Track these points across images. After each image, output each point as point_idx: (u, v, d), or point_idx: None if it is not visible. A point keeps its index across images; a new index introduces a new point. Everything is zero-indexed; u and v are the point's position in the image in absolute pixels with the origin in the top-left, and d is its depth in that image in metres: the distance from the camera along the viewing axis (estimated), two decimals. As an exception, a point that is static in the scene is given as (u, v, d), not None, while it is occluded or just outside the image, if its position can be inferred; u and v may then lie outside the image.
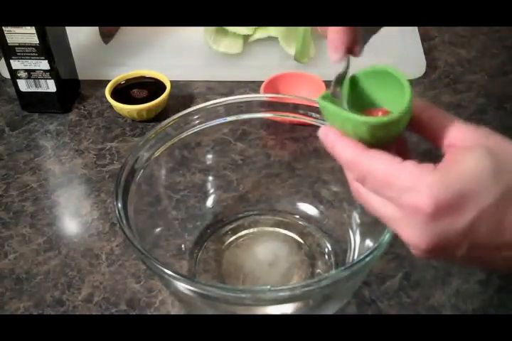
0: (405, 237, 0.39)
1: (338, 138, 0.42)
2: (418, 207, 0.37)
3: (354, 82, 0.45)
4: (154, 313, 0.59)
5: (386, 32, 0.52)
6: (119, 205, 0.51)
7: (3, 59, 0.78)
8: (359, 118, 0.40)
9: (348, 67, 0.47)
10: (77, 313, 0.59)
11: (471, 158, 0.38)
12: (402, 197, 0.38)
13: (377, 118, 0.40)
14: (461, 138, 0.40)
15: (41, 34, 0.73)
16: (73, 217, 0.70)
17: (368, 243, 0.57)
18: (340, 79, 0.45)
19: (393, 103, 0.42)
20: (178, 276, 0.46)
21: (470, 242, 0.38)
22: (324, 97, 0.43)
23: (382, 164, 0.39)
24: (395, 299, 0.59)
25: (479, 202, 0.37)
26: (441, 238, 0.38)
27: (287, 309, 0.52)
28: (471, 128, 0.40)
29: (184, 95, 0.84)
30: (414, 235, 0.38)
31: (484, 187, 0.37)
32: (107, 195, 0.70)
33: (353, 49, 0.47)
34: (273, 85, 0.79)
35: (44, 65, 0.76)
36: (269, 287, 0.46)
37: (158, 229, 0.60)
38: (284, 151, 0.66)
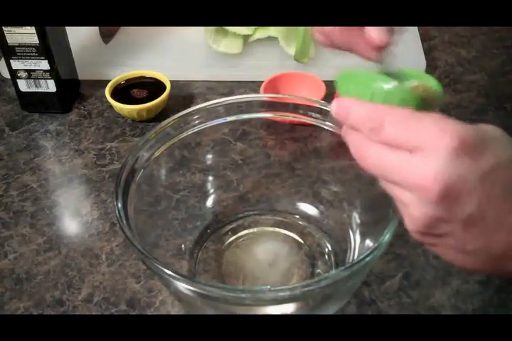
0: (419, 179, 0.37)
1: (357, 102, 0.41)
2: (441, 142, 0.37)
3: None
4: (154, 313, 0.59)
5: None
6: (119, 205, 0.51)
7: (3, 59, 0.78)
8: (405, 84, 0.40)
9: (387, 60, 0.47)
10: (77, 313, 0.59)
11: (487, 126, 0.40)
12: (423, 136, 0.37)
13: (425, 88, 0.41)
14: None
15: (41, 34, 0.73)
16: (73, 217, 0.70)
17: (368, 243, 0.57)
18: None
19: None
20: (178, 276, 0.46)
21: (483, 194, 0.37)
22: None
23: (405, 111, 0.39)
24: (395, 299, 0.59)
25: (497, 153, 0.38)
26: (459, 179, 0.37)
27: (287, 309, 0.52)
28: None
29: (184, 95, 0.84)
30: (431, 173, 0.37)
31: (502, 144, 0.39)
32: (107, 195, 0.70)
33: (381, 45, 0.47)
34: (273, 85, 0.79)
35: (44, 65, 0.76)
36: (269, 287, 0.46)
37: (158, 229, 0.60)
38: (284, 151, 0.66)
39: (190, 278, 0.51)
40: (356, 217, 0.61)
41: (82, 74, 0.85)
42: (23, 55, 0.75)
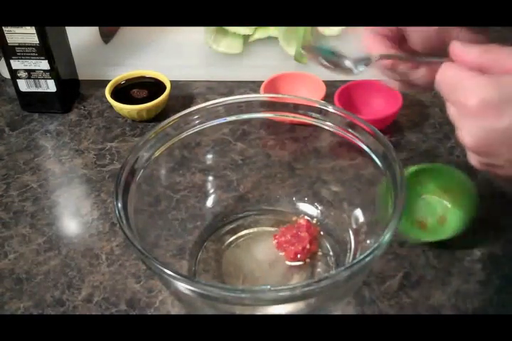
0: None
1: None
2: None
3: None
4: (154, 313, 0.59)
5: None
6: (119, 205, 0.51)
7: (3, 59, 0.78)
8: None
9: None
10: (77, 313, 0.59)
11: None
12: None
13: None
14: None
15: (41, 34, 0.73)
16: (73, 217, 0.70)
17: (368, 243, 0.57)
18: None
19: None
20: (178, 276, 0.46)
21: None
22: None
23: None
24: (395, 299, 0.59)
25: None
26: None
27: (287, 309, 0.52)
28: None
29: (184, 95, 0.84)
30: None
31: None
32: (107, 195, 0.70)
33: None
34: (273, 85, 0.79)
35: (44, 65, 0.76)
36: (269, 287, 0.46)
37: (158, 229, 0.60)
38: (284, 151, 0.66)
39: (190, 278, 0.51)
40: (356, 217, 0.61)
41: (82, 74, 0.85)
42: (23, 55, 0.75)
